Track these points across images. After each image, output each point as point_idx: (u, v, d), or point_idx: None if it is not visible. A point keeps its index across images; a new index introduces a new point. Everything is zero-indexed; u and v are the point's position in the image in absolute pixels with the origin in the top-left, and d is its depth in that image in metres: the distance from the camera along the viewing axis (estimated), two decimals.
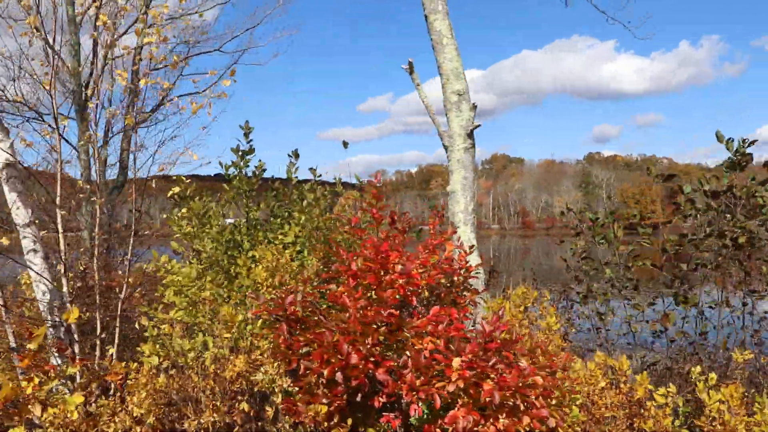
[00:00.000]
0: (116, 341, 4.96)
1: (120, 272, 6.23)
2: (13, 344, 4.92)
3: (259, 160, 4.10)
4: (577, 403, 3.37)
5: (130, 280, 4.98)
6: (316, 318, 3.28)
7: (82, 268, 5.52)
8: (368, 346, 3.09)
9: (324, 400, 3.07)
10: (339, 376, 3.09)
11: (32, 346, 4.25)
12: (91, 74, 7.36)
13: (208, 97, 4.39)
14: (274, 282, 3.88)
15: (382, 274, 3.33)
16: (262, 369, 3.56)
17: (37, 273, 5.25)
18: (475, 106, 4.80)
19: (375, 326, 3.19)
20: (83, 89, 7.95)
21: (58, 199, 4.89)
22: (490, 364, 3.09)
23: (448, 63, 4.86)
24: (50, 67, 4.32)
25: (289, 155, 4.24)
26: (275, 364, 3.56)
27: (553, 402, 3.12)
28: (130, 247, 4.97)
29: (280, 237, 3.92)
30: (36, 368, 3.93)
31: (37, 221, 5.48)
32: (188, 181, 6.04)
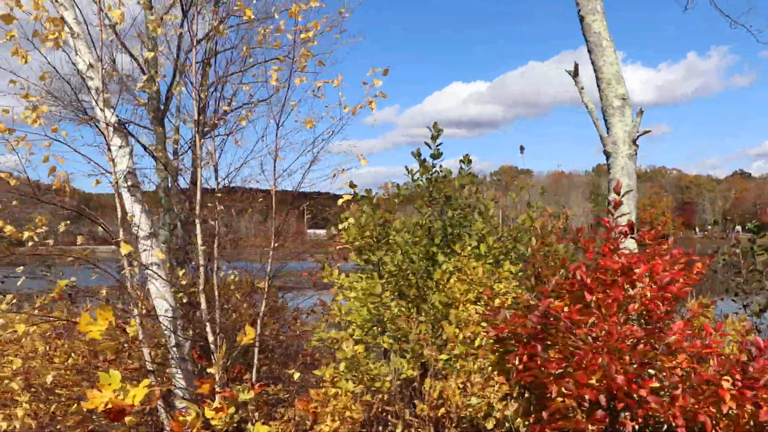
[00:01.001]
0: (256, 362, 4.66)
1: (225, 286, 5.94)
2: (149, 364, 4.58)
3: (440, 166, 3.87)
4: None
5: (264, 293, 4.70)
6: (561, 335, 3.04)
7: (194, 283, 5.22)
8: (633, 366, 2.86)
9: (591, 427, 2.82)
10: (602, 398, 2.85)
11: (213, 370, 3.95)
12: (174, 78, 7.11)
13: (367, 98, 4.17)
14: (470, 297, 3.63)
15: (625, 287, 3.12)
16: (470, 392, 3.30)
17: (160, 288, 4.96)
18: (641, 111, 4.64)
19: (631, 344, 2.96)
20: (159, 96, 7.70)
21: (197, 208, 4.61)
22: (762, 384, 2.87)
23: (609, 66, 4.70)
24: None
25: (462, 161, 4.01)
26: (495, 388, 3.30)
27: None
28: (270, 262, 4.69)
29: (468, 249, 3.69)
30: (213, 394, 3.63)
31: (158, 233, 5.19)
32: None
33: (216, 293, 5.02)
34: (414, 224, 3.80)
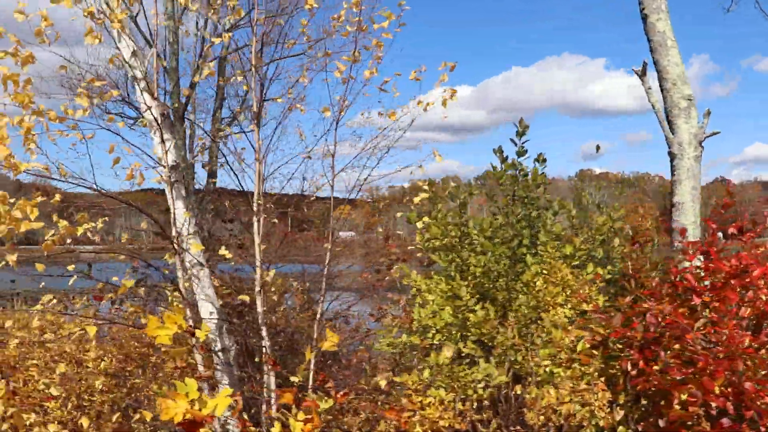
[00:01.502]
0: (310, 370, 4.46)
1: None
2: (201, 370, 4.34)
3: (517, 162, 3.74)
4: None
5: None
6: (674, 340, 2.94)
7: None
8: (762, 372, 2.78)
9: None
10: (730, 406, 2.76)
11: (297, 379, 3.75)
12: (197, 69, 6.85)
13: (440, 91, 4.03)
14: (559, 300, 3.52)
15: (739, 290, 3.04)
16: (572, 399, 3.17)
17: (205, 289, 4.72)
18: (708, 112, 4.60)
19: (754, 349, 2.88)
20: (179, 89, 7.44)
21: (255, 205, 4.39)
22: None
23: (674, 67, 4.66)
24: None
25: (537, 160, 3.91)
26: (599, 395, 3.18)
27: None
28: (327, 263, 4.50)
29: (549, 249, 3.58)
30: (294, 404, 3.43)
31: (205, 232, 4.94)
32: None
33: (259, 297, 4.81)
34: (499, 224, 3.67)
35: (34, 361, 5.70)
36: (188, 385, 2.93)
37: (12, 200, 3.22)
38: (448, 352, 3.19)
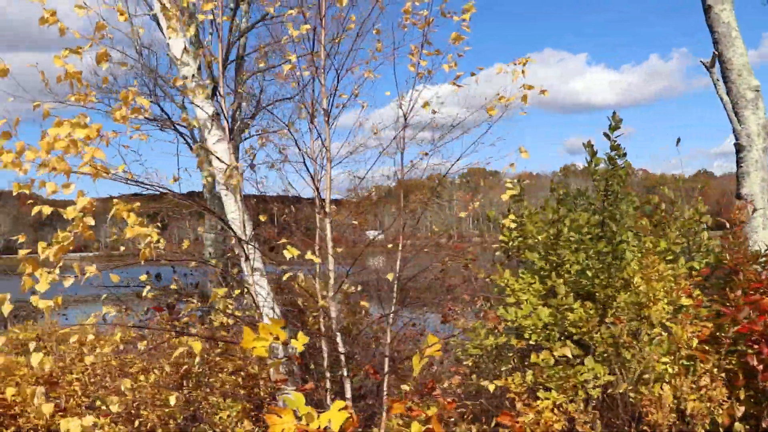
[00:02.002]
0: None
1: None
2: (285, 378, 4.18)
3: (612, 156, 3.65)
4: None
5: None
6: None
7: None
8: None
9: None
10: None
11: (407, 387, 3.62)
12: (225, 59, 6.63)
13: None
14: (660, 296, 3.46)
15: None
16: (687, 397, 3.12)
17: (265, 296, 4.55)
18: None
19: None
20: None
21: (327, 206, 4.24)
22: None
23: (739, 57, 4.65)
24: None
25: (617, 154, 3.83)
26: (715, 392, 3.13)
27: None
28: (398, 263, 4.36)
29: (649, 244, 3.52)
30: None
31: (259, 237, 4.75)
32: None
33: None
34: (597, 220, 3.59)
35: (75, 376, 5.46)
36: (296, 399, 2.79)
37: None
38: (562, 351, 3.10)
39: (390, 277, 4.15)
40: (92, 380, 5.48)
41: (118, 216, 2.90)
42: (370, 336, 4.93)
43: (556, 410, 3.19)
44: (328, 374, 4.68)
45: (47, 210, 3.34)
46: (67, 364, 5.45)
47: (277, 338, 2.82)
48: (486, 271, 4.18)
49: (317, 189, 4.26)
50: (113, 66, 7.53)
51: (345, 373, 4.16)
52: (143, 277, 3.76)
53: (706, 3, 4.76)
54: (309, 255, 3.62)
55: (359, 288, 4.69)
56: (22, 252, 2.84)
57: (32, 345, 3.62)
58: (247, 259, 4.17)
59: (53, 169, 2.79)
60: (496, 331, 3.84)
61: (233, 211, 4.59)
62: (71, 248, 3.20)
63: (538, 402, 3.16)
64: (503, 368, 3.83)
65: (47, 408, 3.36)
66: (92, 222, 3.29)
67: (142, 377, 4.92)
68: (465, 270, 4.25)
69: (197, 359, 3.37)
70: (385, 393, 4.38)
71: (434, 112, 3.95)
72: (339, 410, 2.75)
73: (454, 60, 3.98)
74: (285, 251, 3.50)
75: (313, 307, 5.62)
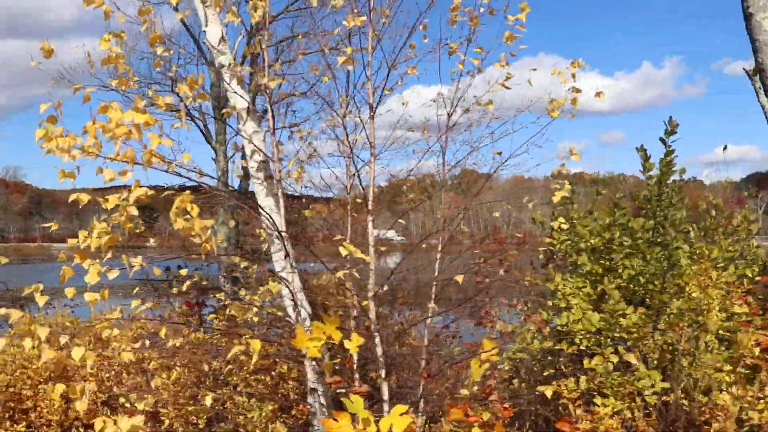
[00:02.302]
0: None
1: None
2: (312, 383, 4.06)
3: (667, 161, 3.60)
4: None
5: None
6: None
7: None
8: None
9: None
10: None
11: (466, 392, 3.53)
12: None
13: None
14: (715, 303, 3.43)
15: None
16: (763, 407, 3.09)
17: (297, 296, 4.44)
18: None
19: None
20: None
21: (370, 203, 4.14)
22: None
23: None
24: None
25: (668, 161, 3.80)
26: None
27: None
28: (437, 263, 4.28)
29: (704, 251, 3.49)
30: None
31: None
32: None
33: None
34: (650, 225, 3.55)
35: (90, 371, 5.28)
36: (354, 402, 2.70)
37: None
38: (627, 357, 3.05)
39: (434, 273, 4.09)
40: (107, 375, 5.33)
41: (181, 207, 2.77)
42: (401, 337, 4.84)
43: (615, 417, 3.14)
44: (357, 375, 4.59)
45: (85, 198, 3.24)
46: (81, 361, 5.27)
47: (330, 338, 2.73)
48: (529, 274, 4.12)
49: (357, 185, 4.17)
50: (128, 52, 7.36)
51: (383, 375, 4.07)
52: (184, 272, 3.63)
53: (747, 10, 4.73)
54: (359, 253, 3.52)
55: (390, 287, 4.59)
56: (71, 241, 2.71)
57: (63, 339, 3.48)
58: (287, 255, 4.06)
59: (116, 156, 2.66)
60: (541, 335, 3.78)
61: (270, 204, 4.48)
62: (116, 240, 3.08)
63: (598, 408, 3.10)
64: (545, 373, 3.78)
65: (81, 405, 3.21)
66: (135, 212, 3.20)
67: (164, 375, 4.78)
68: (503, 272, 4.19)
69: (254, 358, 3.21)
70: (420, 395, 4.30)
71: (489, 103, 3.88)
72: (400, 415, 2.66)
73: (507, 59, 3.91)
74: (341, 248, 3.39)
75: (334, 306, 5.53)
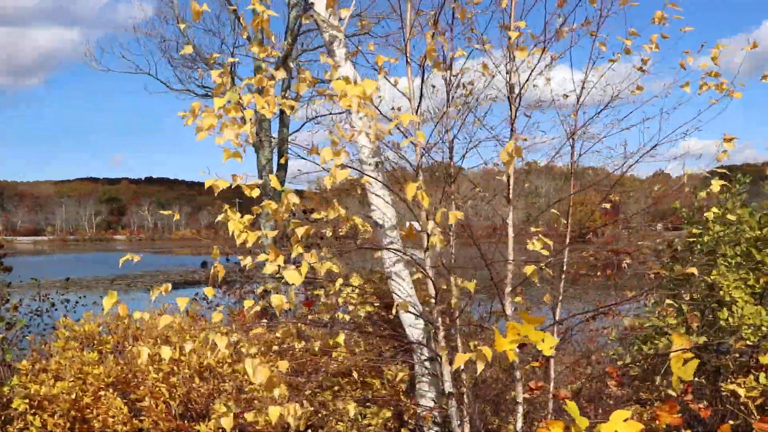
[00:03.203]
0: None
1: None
2: (449, 388, 3.77)
3: None
4: None
5: None
6: None
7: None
8: None
9: None
10: None
11: (672, 392, 3.35)
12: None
13: None
14: None
15: None
16: None
17: (408, 292, 4.15)
18: None
19: None
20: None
21: (510, 192, 3.89)
22: None
23: None
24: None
25: None
26: None
27: None
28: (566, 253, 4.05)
29: None
30: None
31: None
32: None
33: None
34: None
35: (154, 375, 4.83)
36: (571, 407, 2.49)
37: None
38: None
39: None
40: (171, 380, 4.88)
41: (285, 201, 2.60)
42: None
43: None
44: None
45: (223, 184, 2.94)
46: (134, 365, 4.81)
47: (526, 337, 2.49)
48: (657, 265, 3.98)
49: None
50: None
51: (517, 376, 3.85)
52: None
53: None
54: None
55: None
56: (270, 234, 2.39)
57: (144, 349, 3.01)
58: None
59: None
60: (690, 329, 3.65)
61: (378, 195, 4.16)
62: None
63: None
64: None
65: (227, 422, 2.86)
66: (297, 200, 2.94)
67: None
68: (628, 262, 4.04)
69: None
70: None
71: (640, 88, 3.70)
72: (623, 421, 2.45)
73: (657, 42, 3.74)
74: (530, 244, 3.15)
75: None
